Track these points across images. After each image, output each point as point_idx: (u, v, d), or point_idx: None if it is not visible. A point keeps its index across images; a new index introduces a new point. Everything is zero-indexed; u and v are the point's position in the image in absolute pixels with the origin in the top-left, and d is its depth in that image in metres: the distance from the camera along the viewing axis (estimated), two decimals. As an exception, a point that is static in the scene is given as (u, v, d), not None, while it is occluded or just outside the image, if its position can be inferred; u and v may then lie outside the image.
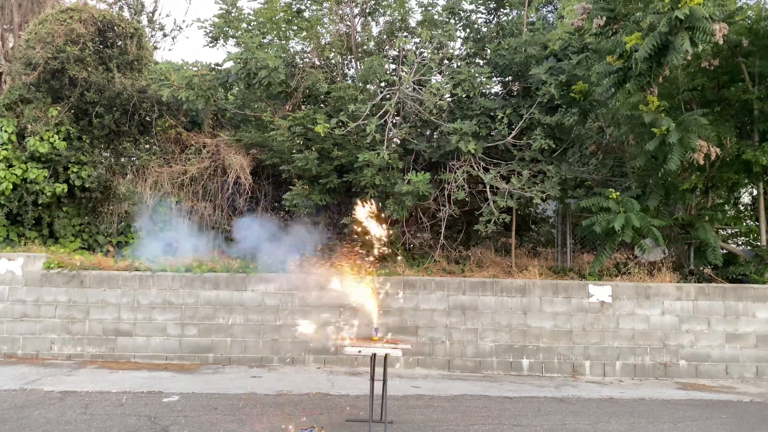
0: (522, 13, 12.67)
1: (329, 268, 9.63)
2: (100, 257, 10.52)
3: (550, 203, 12.60)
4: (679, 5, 8.19)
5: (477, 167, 10.91)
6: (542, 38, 11.37)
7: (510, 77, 12.04)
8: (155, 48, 16.19)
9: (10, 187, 10.82)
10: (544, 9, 14.40)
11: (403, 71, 10.92)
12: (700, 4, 8.14)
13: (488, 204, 10.71)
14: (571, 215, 12.02)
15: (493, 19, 13.10)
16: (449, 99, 11.31)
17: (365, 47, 12.48)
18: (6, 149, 11.04)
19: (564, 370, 10.01)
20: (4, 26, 14.63)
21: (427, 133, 11.98)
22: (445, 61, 12.16)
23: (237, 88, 12.13)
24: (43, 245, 10.78)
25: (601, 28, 9.86)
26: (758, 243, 11.42)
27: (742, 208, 13.17)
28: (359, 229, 6.97)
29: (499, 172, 10.91)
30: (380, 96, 10.88)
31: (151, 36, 16.70)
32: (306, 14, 12.36)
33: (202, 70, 11.52)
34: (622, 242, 10.05)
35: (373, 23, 12.68)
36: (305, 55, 12.27)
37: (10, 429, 5.98)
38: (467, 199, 10.90)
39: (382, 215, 10.47)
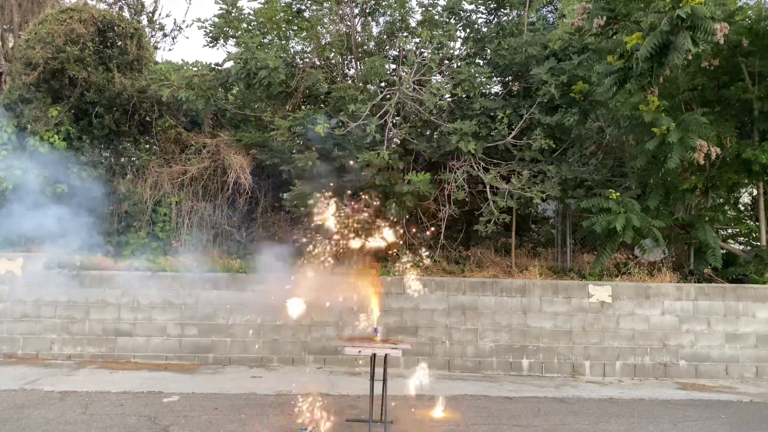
0: (522, 13, 12.66)
1: (331, 268, 9.62)
2: (100, 257, 10.51)
3: (550, 203, 12.59)
4: (681, 4, 8.18)
5: (477, 167, 10.90)
6: (543, 38, 11.36)
7: (510, 77, 12.03)
8: (155, 48, 16.19)
9: (10, 187, 10.81)
10: (545, 9, 14.39)
11: (403, 71, 10.92)
12: (701, 3, 8.14)
13: (488, 204, 10.71)
14: (571, 215, 12.01)
15: (494, 19, 13.08)
16: (449, 99, 11.30)
17: (365, 47, 12.46)
18: (6, 149, 11.03)
19: (564, 370, 10.01)
20: (4, 26, 14.63)
21: (427, 133, 11.97)
22: (446, 61, 12.15)
23: (237, 88, 12.11)
24: (43, 245, 10.75)
25: (602, 28, 9.85)
26: (758, 243, 11.41)
27: (742, 208, 13.16)
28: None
29: (499, 172, 10.90)
30: (380, 96, 10.87)
31: (151, 36, 16.69)
32: (306, 14, 12.34)
33: (202, 70, 11.50)
34: (623, 242, 10.06)
35: (373, 23, 12.66)
36: (305, 55, 12.26)
37: (10, 429, 5.98)
38: (467, 199, 10.90)
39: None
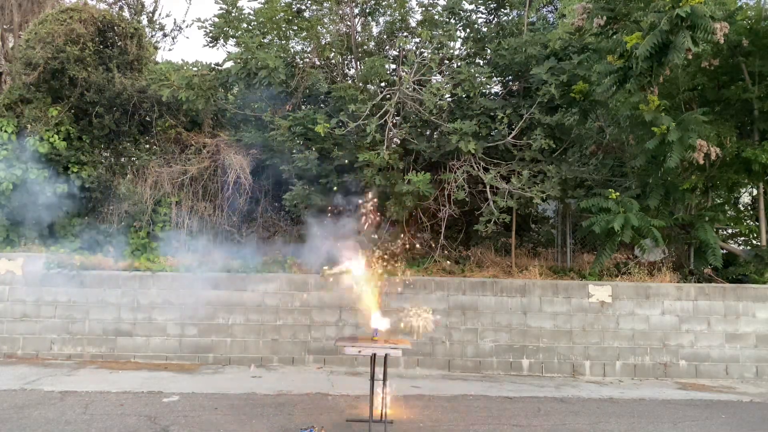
0: (522, 13, 12.66)
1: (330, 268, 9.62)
2: (100, 257, 10.52)
3: (550, 203, 12.59)
4: (681, 4, 8.19)
5: (477, 167, 10.90)
6: (542, 38, 11.36)
7: (510, 77, 12.04)
8: (155, 48, 16.19)
9: (10, 187, 10.82)
10: (545, 9, 14.39)
11: (403, 71, 10.92)
12: (701, 3, 8.14)
13: (488, 204, 10.71)
14: (571, 215, 12.02)
15: (494, 19, 13.08)
16: (449, 99, 11.30)
17: (365, 47, 12.47)
18: (6, 149, 11.04)
19: (564, 370, 10.01)
20: (4, 26, 14.64)
21: (427, 133, 11.97)
22: (446, 61, 12.15)
23: (237, 88, 12.12)
24: (43, 245, 10.77)
25: (602, 28, 9.86)
26: (758, 243, 11.42)
27: (742, 208, 13.17)
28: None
29: (499, 172, 10.90)
30: (380, 96, 10.87)
31: (151, 36, 16.70)
32: (306, 14, 12.35)
33: (202, 70, 11.51)
34: (622, 242, 10.06)
35: (373, 23, 12.67)
36: (305, 55, 12.27)
37: (10, 429, 5.98)
38: (467, 199, 10.90)
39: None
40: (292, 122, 10.87)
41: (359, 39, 12.43)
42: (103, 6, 15.37)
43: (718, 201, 11.83)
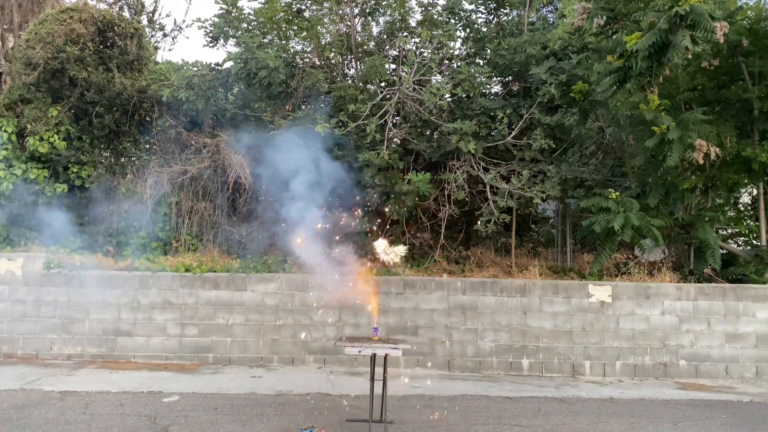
0: (522, 13, 12.67)
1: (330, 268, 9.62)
2: (100, 257, 10.52)
3: (550, 203, 12.59)
4: (680, 2, 8.19)
5: (477, 167, 10.90)
6: (542, 38, 11.37)
7: (510, 77, 12.04)
8: (156, 48, 16.19)
9: (10, 187, 10.81)
10: (545, 9, 14.40)
11: (403, 71, 10.92)
12: (700, 2, 8.15)
13: (488, 204, 10.71)
14: (571, 215, 12.02)
15: (493, 19, 13.10)
16: (449, 99, 11.30)
17: (365, 47, 12.47)
18: (6, 149, 11.04)
19: (564, 370, 10.01)
20: (4, 26, 14.63)
21: (427, 133, 11.98)
22: (445, 61, 12.15)
23: (237, 88, 12.12)
24: (43, 245, 10.76)
25: (601, 28, 9.86)
26: (758, 243, 11.41)
27: (742, 208, 13.16)
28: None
29: (499, 172, 10.90)
30: (380, 96, 10.88)
31: (151, 36, 16.69)
32: (306, 14, 12.35)
33: (202, 70, 11.51)
34: (622, 242, 10.06)
35: (373, 23, 12.67)
36: (305, 55, 12.27)
37: (10, 429, 5.98)
38: (467, 199, 10.90)
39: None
40: (292, 122, 10.87)
41: (359, 39, 12.43)
42: (103, 6, 15.36)
43: (718, 201, 11.82)
